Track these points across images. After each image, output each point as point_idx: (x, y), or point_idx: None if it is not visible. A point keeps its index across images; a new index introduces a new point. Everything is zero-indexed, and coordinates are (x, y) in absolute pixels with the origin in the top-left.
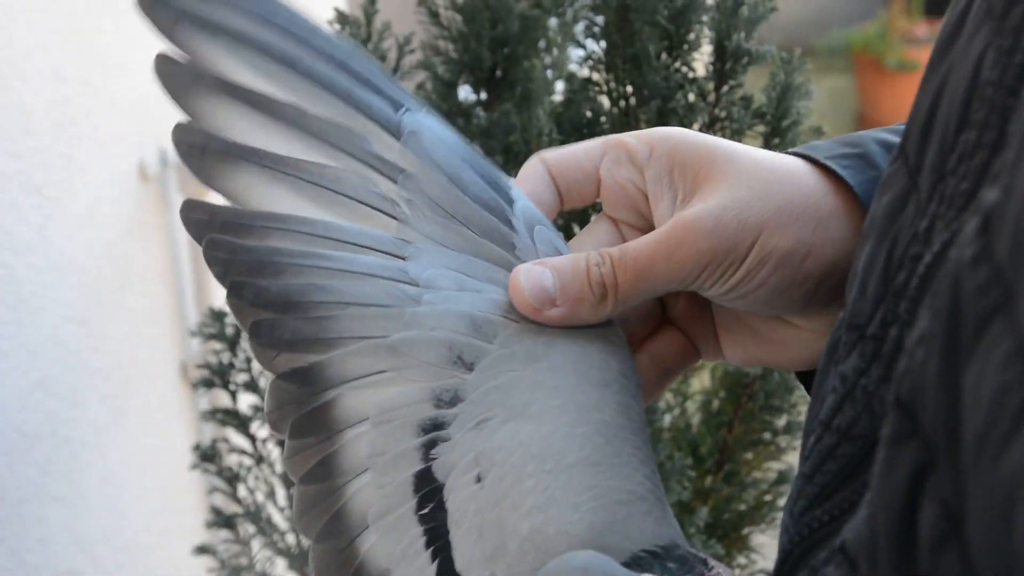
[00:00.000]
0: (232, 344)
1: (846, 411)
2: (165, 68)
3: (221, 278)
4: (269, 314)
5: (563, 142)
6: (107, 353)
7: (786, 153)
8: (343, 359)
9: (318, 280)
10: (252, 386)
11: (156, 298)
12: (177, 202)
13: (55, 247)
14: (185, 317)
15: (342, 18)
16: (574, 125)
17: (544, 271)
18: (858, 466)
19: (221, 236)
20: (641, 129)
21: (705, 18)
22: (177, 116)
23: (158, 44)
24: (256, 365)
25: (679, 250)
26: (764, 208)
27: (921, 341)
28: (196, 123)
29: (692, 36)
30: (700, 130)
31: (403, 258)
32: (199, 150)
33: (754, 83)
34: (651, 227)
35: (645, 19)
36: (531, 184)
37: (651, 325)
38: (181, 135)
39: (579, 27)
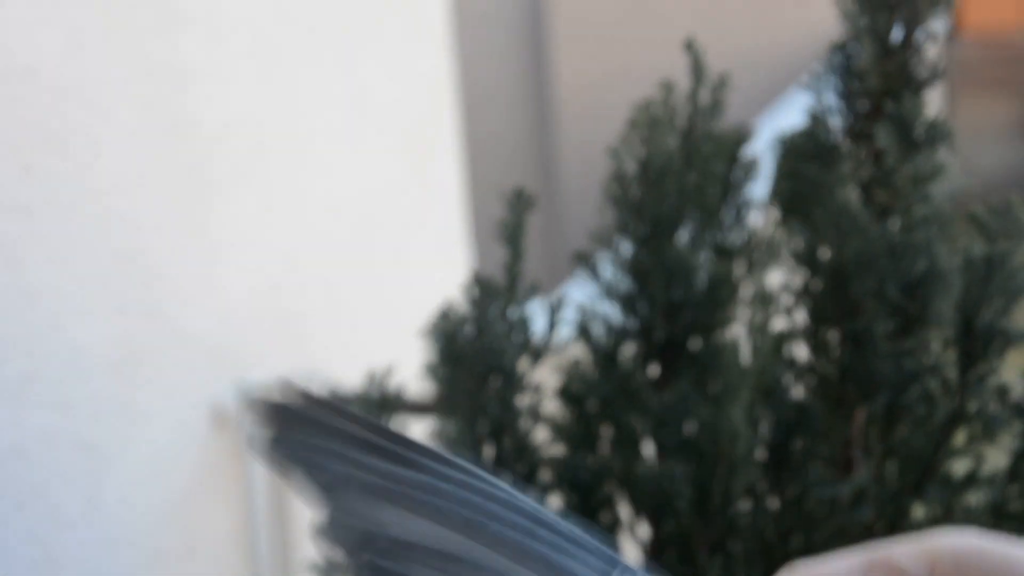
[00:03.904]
0: None
1: None
2: (328, 534)
3: None
4: None
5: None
6: None
7: None
8: None
9: None
10: None
11: (226, 567)
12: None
13: (106, 516)
14: None
15: (482, 282)
16: (780, 423)
17: None
18: None
19: None
20: (869, 436)
21: (948, 290)
22: (259, 344)
23: (232, 264)
24: None
25: None
26: None
27: None
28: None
29: (932, 312)
30: (941, 429)
31: None
32: None
33: (1008, 367)
34: None
35: (868, 289)
36: None
37: None
38: (364, 571)
39: (774, 279)
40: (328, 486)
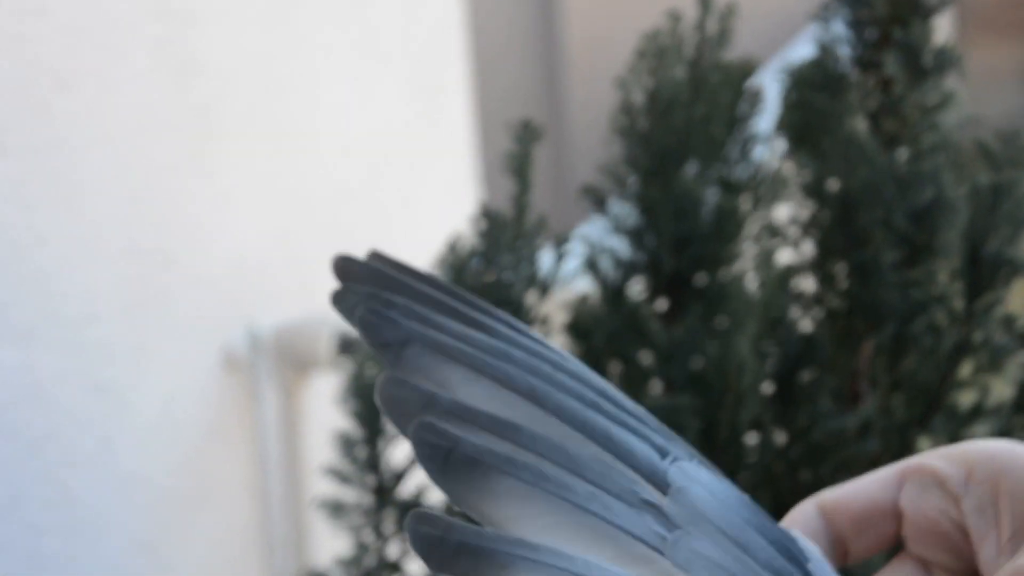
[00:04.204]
0: None
1: None
2: (388, 391)
3: None
4: None
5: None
6: None
7: None
8: None
9: None
10: None
11: (238, 513)
12: (269, 394)
13: (119, 459)
14: (271, 533)
15: (489, 214)
16: (787, 356)
17: None
18: None
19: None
20: (876, 368)
21: (955, 220)
22: (270, 288)
23: (242, 207)
24: None
25: None
26: None
27: None
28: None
29: (939, 242)
30: (947, 360)
31: None
32: (443, 452)
33: (1014, 296)
34: (970, 570)
35: (875, 219)
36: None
37: None
38: (421, 433)
39: (781, 212)
40: (396, 342)
